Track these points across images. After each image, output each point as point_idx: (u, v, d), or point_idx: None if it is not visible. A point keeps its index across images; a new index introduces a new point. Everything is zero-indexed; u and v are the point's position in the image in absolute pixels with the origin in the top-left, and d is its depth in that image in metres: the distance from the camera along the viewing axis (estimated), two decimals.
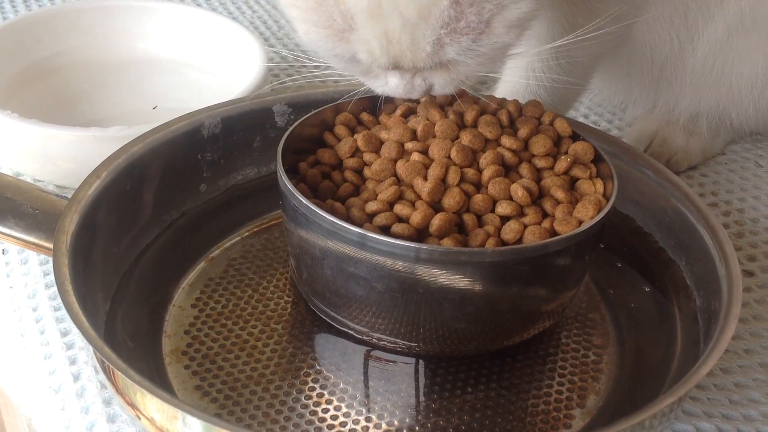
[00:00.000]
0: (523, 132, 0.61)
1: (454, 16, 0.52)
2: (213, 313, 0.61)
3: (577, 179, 0.60)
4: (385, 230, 0.55)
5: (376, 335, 0.56)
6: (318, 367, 0.57)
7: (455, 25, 0.52)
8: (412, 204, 0.56)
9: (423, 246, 0.51)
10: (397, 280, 0.53)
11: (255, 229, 0.70)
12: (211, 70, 0.90)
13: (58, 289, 0.51)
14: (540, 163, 0.60)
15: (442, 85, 0.58)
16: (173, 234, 0.66)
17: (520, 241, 0.55)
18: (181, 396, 0.55)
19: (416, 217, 0.54)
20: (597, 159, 0.61)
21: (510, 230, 0.55)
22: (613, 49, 0.79)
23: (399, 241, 0.52)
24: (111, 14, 0.89)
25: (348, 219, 0.55)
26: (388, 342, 0.56)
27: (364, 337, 0.57)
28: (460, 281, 0.52)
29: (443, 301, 0.53)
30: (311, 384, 0.56)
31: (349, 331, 0.57)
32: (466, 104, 0.62)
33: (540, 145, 0.60)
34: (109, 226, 0.60)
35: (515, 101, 0.64)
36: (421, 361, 0.58)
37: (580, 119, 0.94)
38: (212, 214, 0.69)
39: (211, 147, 0.68)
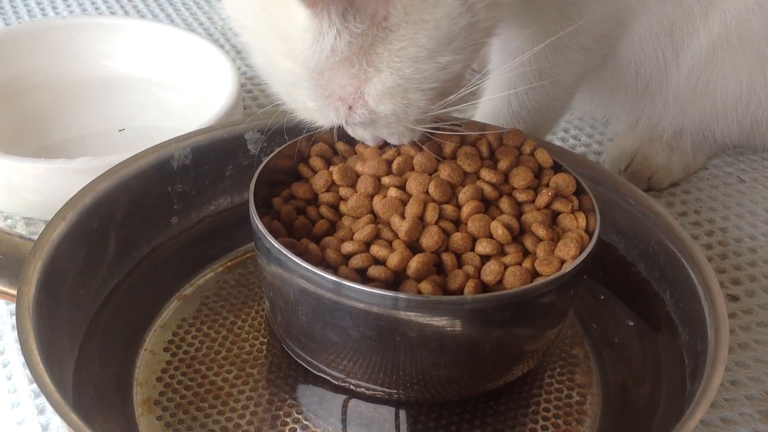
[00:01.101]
0: (503, 164, 0.59)
1: (320, 84, 0.52)
2: (186, 357, 0.59)
3: (559, 213, 0.59)
4: (361, 272, 0.53)
5: (354, 381, 0.55)
6: (296, 415, 0.55)
7: (323, 92, 0.52)
8: (390, 244, 0.55)
9: (400, 295, 0.50)
10: (373, 328, 0.51)
11: (229, 263, 0.67)
12: (181, 88, 0.87)
13: (22, 347, 0.48)
14: (521, 196, 0.59)
15: (386, 136, 0.57)
16: (144, 271, 0.64)
17: (500, 282, 0.53)
18: None
19: (393, 260, 0.53)
20: (579, 190, 0.60)
21: (490, 272, 0.53)
22: (601, 66, 0.77)
23: (376, 290, 0.50)
24: (77, 33, 0.86)
25: (323, 261, 0.54)
26: (366, 388, 0.55)
27: (341, 383, 0.55)
28: (439, 329, 0.51)
29: (422, 348, 0.51)
30: None
31: (326, 377, 0.55)
32: (445, 135, 0.60)
33: (520, 177, 0.59)
34: (75, 268, 0.58)
35: (495, 131, 0.62)
36: (401, 407, 0.56)
37: (560, 134, 0.92)
38: (184, 248, 0.67)
39: (181, 178, 0.66)
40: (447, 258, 0.55)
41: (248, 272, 0.66)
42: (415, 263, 0.53)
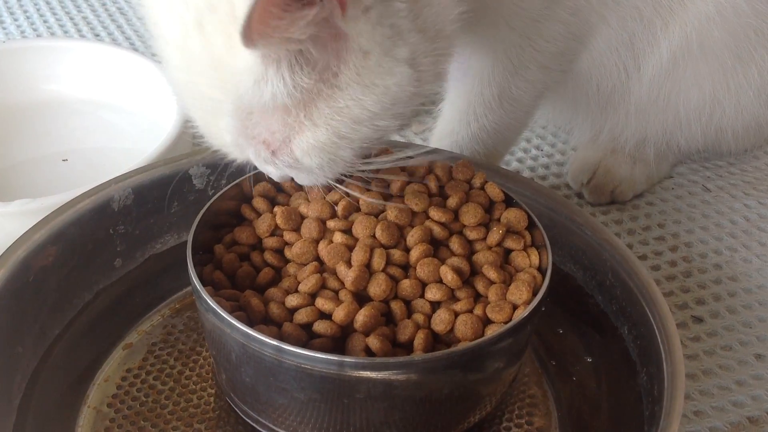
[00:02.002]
0: (452, 201, 0.57)
1: (246, 124, 0.50)
2: (130, 413, 0.57)
3: (511, 251, 0.57)
4: (306, 327, 0.51)
5: None
6: None
7: (247, 132, 0.50)
8: (336, 294, 0.53)
9: (346, 359, 0.48)
10: (319, 390, 0.49)
11: (177, 306, 0.65)
12: (128, 110, 0.84)
13: None
14: (471, 234, 0.57)
15: (297, 179, 0.55)
16: (86, 319, 0.61)
17: (451, 331, 0.52)
18: None
19: (339, 315, 0.51)
20: (531, 224, 0.58)
21: (440, 321, 0.52)
22: (560, 82, 0.75)
23: (319, 354, 0.48)
24: (18, 57, 0.83)
25: (266, 317, 0.52)
26: None
27: None
28: (388, 388, 0.49)
29: (371, 408, 0.50)
30: None
31: None
32: (392, 172, 0.58)
33: (471, 215, 0.57)
34: (10, 326, 0.55)
35: (444, 164, 0.60)
36: None
37: (523, 143, 0.90)
38: (129, 291, 0.64)
39: (123, 219, 0.64)
40: (396, 307, 0.53)
41: (196, 315, 0.64)
42: (361, 317, 0.51)
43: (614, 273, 0.60)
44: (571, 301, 0.64)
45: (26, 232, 0.58)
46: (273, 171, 0.54)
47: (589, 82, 0.75)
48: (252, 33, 0.42)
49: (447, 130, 0.74)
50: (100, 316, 0.62)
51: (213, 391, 0.59)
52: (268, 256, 0.56)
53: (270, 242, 0.57)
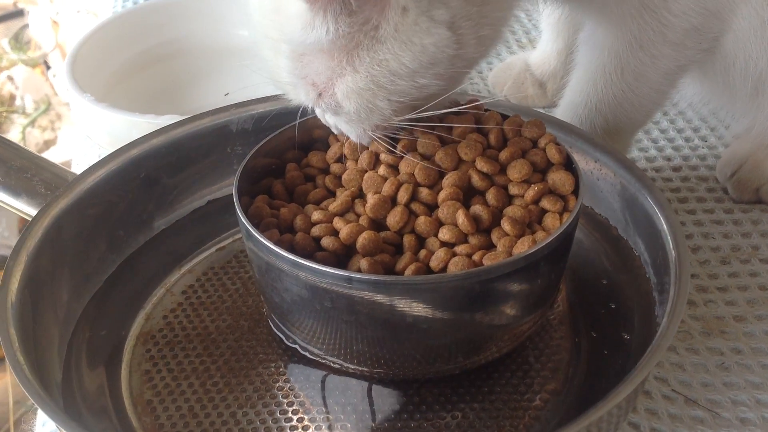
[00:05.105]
0: (503, 155, 0.58)
1: (298, 65, 0.54)
2: (196, 302, 0.65)
3: (547, 211, 0.56)
4: (317, 241, 0.55)
5: (302, 344, 0.58)
6: (260, 368, 0.59)
7: (299, 72, 0.55)
8: (358, 218, 0.56)
9: (300, 260, 0.51)
10: (298, 294, 0.53)
11: None
12: None
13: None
14: (513, 189, 0.57)
15: (346, 130, 0.58)
16: (192, 219, 0.70)
17: (444, 270, 0.53)
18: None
19: (343, 232, 0.54)
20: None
21: (436, 258, 0.53)
22: (703, 62, 0.70)
23: (280, 251, 0.52)
24: (215, 3, 0.94)
25: (290, 227, 0.56)
26: (327, 358, 0.57)
27: (306, 353, 0.58)
28: (351, 303, 0.52)
29: (339, 320, 0.53)
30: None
31: (294, 346, 0.59)
32: (463, 121, 0.60)
33: (516, 170, 0.57)
34: (119, 210, 0.66)
35: (515, 119, 0.61)
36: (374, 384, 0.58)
37: (687, 132, 0.85)
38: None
39: (241, 141, 0.71)
40: (407, 239, 0.55)
41: None
42: (361, 239, 0.54)
43: (667, 259, 0.56)
44: (632, 280, 0.61)
45: (144, 135, 0.68)
46: (328, 119, 0.59)
47: (735, 64, 0.69)
48: None
49: (569, 100, 0.73)
50: (204, 220, 0.71)
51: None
52: (327, 180, 0.61)
53: (334, 168, 0.61)
